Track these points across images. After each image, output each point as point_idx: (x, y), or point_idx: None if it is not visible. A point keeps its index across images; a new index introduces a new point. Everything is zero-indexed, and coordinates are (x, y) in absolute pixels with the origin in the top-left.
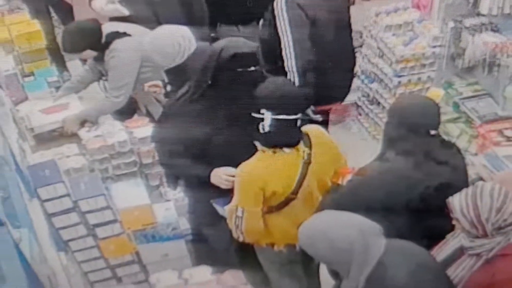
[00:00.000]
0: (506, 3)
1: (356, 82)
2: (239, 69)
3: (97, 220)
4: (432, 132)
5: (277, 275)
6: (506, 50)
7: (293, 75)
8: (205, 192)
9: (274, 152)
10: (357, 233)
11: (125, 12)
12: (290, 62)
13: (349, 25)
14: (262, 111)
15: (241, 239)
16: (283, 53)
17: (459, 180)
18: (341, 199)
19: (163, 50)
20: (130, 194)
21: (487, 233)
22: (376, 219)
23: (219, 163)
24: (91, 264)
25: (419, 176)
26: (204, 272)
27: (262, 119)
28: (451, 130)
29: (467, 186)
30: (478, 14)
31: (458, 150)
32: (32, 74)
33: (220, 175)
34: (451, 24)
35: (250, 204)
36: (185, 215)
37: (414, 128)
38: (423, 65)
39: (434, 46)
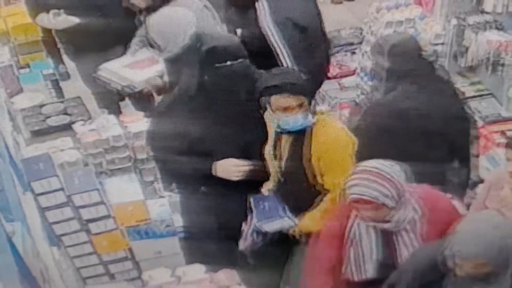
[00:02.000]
0: (511, 1)
1: (355, 80)
2: (224, 63)
3: (90, 215)
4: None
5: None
6: (511, 49)
7: None
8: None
9: None
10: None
11: (76, 21)
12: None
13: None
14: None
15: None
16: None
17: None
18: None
19: (160, 30)
20: (124, 190)
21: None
22: None
23: (216, 158)
24: (84, 260)
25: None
26: (198, 270)
27: None
28: None
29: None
30: (482, 12)
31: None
32: (27, 66)
33: (229, 167)
34: (454, 21)
35: None
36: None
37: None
38: None
39: (436, 44)
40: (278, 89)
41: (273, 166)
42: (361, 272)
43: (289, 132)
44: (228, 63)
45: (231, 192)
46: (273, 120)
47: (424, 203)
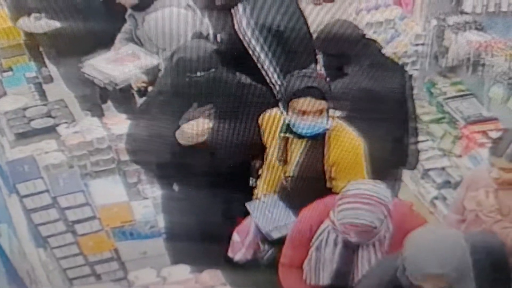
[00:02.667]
0: (491, 1)
1: None
2: (194, 73)
3: (76, 217)
4: None
5: None
6: (491, 49)
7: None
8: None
9: None
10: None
11: (57, 25)
12: (272, 77)
13: None
14: None
15: None
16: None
17: None
18: None
19: (160, 30)
20: (108, 191)
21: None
22: None
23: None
24: (70, 261)
25: None
26: (183, 271)
27: None
28: (435, 131)
29: None
30: (462, 12)
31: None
32: (10, 69)
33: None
34: (434, 22)
35: None
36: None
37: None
38: (406, 64)
39: (417, 44)
40: (303, 92)
41: (276, 170)
42: (317, 277)
43: (301, 136)
44: (198, 74)
45: (204, 191)
46: (283, 123)
47: (393, 221)
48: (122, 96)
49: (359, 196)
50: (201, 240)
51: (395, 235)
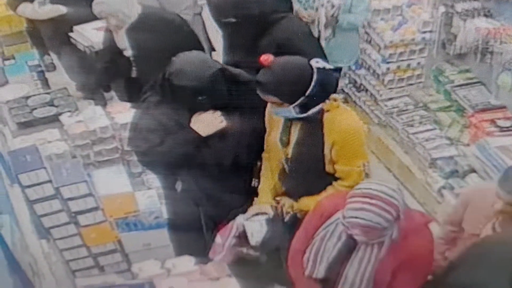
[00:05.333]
0: None
1: (343, 68)
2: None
3: (79, 208)
4: None
5: None
6: (500, 36)
7: None
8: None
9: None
10: None
11: (63, 10)
12: None
13: None
14: None
15: None
16: None
17: None
18: None
19: None
20: (112, 181)
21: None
22: None
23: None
24: (73, 252)
25: None
26: (187, 262)
27: None
28: (443, 119)
29: None
30: None
31: None
32: (12, 57)
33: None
34: (442, 8)
35: None
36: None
37: None
38: (413, 51)
39: (424, 32)
40: (258, 86)
41: (278, 154)
42: (314, 268)
43: (298, 118)
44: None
45: (208, 185)
46: None
47: (400, 230)
48: (125, 84)
49: (368, 196)
50: (208, 231)
51: (396, 245)
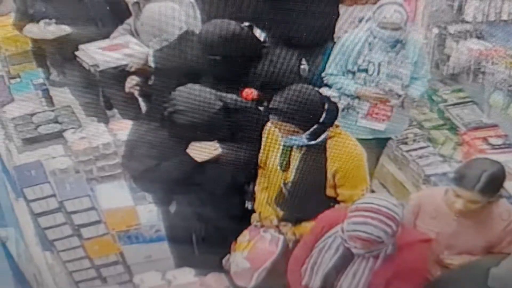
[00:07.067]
0: (491, 10)
1: None
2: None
3: (82, 221)
4: None
5: None
6: (491, 57)
7: None
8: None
9: None
10: None
11: (68, 30)
12: None
13: None
14: None
15: None
16: None
17: None
18: None
19: (149, 20)
20: (114, 196)
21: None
22: None
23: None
24: (76, 264)
25: None
26: (187, 274)
27: None
28: (436, 137)
29: None
30: (463, 21)
31: None
32: (18, 76)
33: (203, 145)
34: (436, 30)
35: None
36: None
37: None
38: None
39: None
40: (274, 113)
41: (276, 176)
42: (310, 279)
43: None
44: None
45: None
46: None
47: (397, 245)
48: (126, 103)
49: (370, 210)
50: (195, 249)
51: (391, 258)
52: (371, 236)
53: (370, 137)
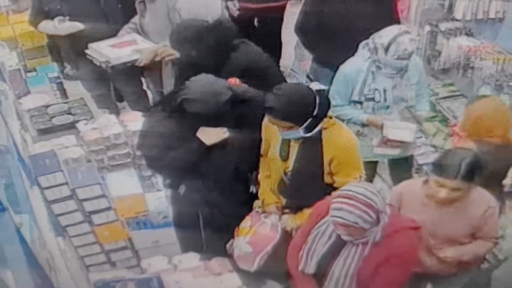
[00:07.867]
0: (479, 9)
1: None
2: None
3: (93, 208)
4: None
5: None
6: (480, 53)
7: None
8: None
9: None
10: None
11: (81, 26)
12: None
13: None
14: None
15: None
16: None
17: None
18: None
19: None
20: (124, 184)
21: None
22: None
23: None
24: (87, 249)
25: None
26: (192, 258)
27: None
28: (428, 128)
29: None
30: (453, 19)
31: None
32: (34, 69)
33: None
34: (427, 28)
35: None
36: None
37: None
38: None
39: None
40: (270, 112)
41: (276, 166)
42: (305, 264)
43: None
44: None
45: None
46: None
47: (384, 232)
48: (136, 95)
49: (347, 197)
50: (202, 232)
51: (380, 244)
52: (347, 222)
53: (385, 159)
